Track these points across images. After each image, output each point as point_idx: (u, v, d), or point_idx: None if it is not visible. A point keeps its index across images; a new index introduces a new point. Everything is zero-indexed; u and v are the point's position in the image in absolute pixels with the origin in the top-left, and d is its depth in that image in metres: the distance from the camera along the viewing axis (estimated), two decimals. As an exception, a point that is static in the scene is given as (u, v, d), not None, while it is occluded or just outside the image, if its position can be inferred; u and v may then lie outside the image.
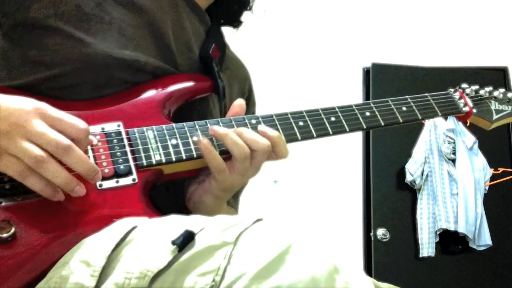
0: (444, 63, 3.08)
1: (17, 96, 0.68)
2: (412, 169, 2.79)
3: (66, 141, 0.65)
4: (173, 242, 0.54)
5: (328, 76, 3.21)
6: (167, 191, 0.86)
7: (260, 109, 1.16)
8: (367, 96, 3.10)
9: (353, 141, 2.98)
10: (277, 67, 3.18)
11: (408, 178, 2.79)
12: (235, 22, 1.11)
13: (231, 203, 1.05)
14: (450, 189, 2.75)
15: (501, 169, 2.87)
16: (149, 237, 0.59)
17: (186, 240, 0.55)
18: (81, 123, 0.68)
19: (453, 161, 2.81)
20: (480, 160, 2.82)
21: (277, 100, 3.00)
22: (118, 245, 0.58)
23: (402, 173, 2.85)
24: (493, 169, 2.85)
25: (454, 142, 2.84)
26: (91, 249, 0.59)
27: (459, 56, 3.12)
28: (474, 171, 2.78)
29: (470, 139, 2.83)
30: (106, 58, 0.81)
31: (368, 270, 2.73)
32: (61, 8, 0.82)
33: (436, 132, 2.86)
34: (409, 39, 3.21)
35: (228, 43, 1.09)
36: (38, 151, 0.63)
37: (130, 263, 0.55)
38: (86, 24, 0.82)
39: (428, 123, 2.87)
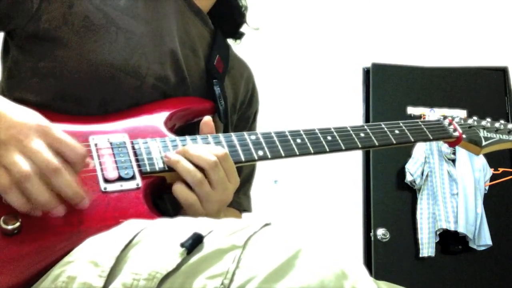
0: (444, 63, 3.09)
1: (23, 108, 0.68)
2: (412, 169, 2.79)
3: (57, 163, 0.64)
4: (182, 245, 0.55)
5: (328, 76, 3.21)
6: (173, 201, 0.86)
7: (261, 109, 1.17)
8: (367, 96, 3.10)
9: (353, 141, 2.98)
10: (277, 67, 3.18)
11: (408, 178, 2.79)
12: (236, 34, 1.13)
13: (240, 203, 1.05)
14: (450, 189, 2.75)
15: (501, 169, 2.87)
16: (157, 239, 0.59)
17: (194, 243, 0.55)
18: (80, 147, 0.67)
19: (453, 161, 2.82)
20: (480, 160, 2.82)
21: (277, 100, 3.01)
22: (126, 246, 0.58)
23: (402, 173, 2.85)
24: (493, 169, 2.85)
25: (454, 142, 2.84)
26: (99, 249, 0.59)
27: (459, 56, 3.12)
28: (474, 171, 2.78)
29: (470, 139, 2.83)
30: (112, 68, 0.83)
31: (368, 270, 2.72)
32: (70, 19, 0.84)
33: (436, 132, 2.86)
34: (409, 39, 3.21)
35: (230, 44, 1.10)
36: (26, 167, 0.62)
37: (138, 264, 0.55)
38: (94, 34, 0.84)
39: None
